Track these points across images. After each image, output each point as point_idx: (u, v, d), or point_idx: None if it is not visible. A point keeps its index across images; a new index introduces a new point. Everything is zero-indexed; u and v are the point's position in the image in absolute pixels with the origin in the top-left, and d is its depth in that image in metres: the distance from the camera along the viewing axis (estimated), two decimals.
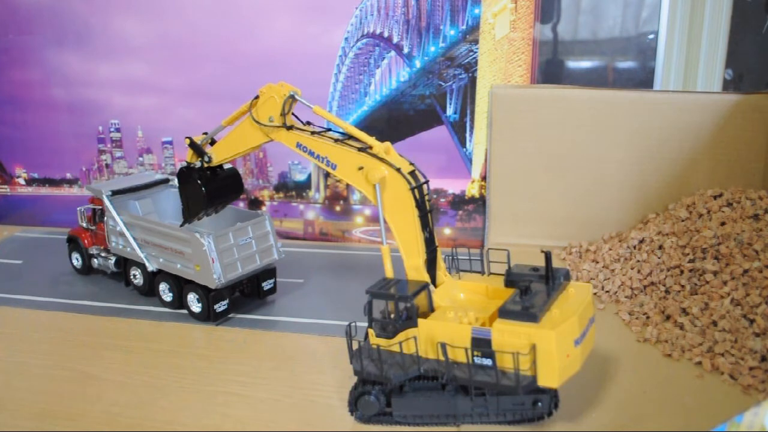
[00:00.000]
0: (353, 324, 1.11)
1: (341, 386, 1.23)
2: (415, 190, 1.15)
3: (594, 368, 1.23)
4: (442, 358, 1.04)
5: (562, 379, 1.00)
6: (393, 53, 1.95)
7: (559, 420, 1.10)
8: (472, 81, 1.91)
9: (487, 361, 1.02)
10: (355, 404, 1.13)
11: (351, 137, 1.24)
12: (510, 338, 0.99)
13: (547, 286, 1.08)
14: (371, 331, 1.12)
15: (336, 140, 1.24)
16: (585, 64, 1.87)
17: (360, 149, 1.20)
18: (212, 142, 1.48)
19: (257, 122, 1.34)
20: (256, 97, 1.34)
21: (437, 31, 1.88)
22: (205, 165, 1.47)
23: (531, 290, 1.05)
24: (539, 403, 1.06)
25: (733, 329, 1.29)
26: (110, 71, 2.12)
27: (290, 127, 1.31)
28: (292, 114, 1.33)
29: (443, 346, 1.03)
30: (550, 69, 1.87)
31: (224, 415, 1.18)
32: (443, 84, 1.93)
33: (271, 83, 1.33)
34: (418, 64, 1.92)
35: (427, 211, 1.17)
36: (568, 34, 1.85)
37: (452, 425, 1.11)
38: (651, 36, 1.81)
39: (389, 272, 1.16)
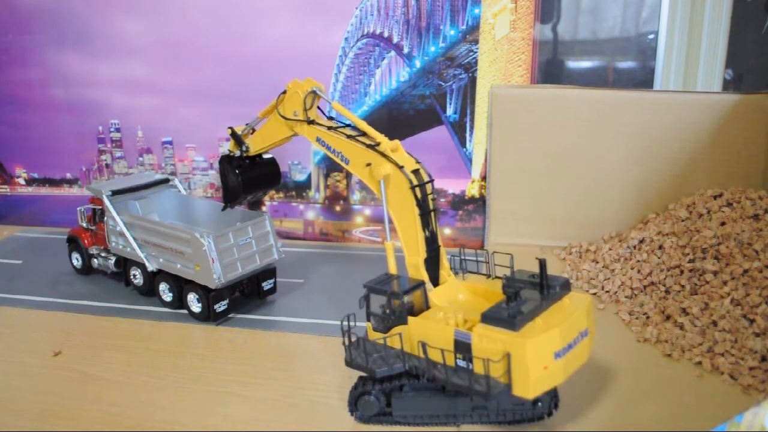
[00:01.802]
0: (351, 315, 1.11)
1: (341, 386, 1.23)
2: (416, 189, 1.15)
3: (594, 368, 1.23)
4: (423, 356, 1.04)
5: (537, 391, 0.97)
6: (393, 53, 1.95)
7: (559, 420, 1.10)
8: (472, 81, 1.91)
9: (467, 364, 1.01)
10: (355, 404, 1.13)
11: (364, 134, 1.26)
12: (487, 344, 0.98)
13: (540, 294, 1.06)
14: (368, 325, 1.13)
15: (348, 136, 1.26)
16: (585, 64, 1.87)
17: (368, 146, 1.21)
18: (253, 131, 1.53)
19: (282, 116, 1.39)
20: (284, 92, 1.39)
21: (437, 31, 1.88)
22: (243, 154, 1.52)
23: (520, 297, 1.03)
24: (539, 403, 1.06)
25: (733, 329, 1.29)
26: (110, 71, 2.12)
27: (311, 122, 1.34)
28: (318, 109, 1.37)
29: (423, 345, 1.03)
30: (550, 69, 1.87)
31: (224, 415, 1.18)
32: (443, 84, 1.93)
33: (296, 79, 1.38)
34: (418, 64, 1.93)
35: (429, 210, 1.17)
36: (568, 34, 1.85)
37: (452, 425, 1.11)
38: (651, 36, 1.81)
39: (392, 268, 1.16)
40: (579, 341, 1.03)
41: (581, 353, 1.04)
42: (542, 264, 1.06)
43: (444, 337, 1.03)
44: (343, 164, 1.28)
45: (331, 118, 1.37)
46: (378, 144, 1.21)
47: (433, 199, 1.18)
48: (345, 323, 1.10)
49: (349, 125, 1.32)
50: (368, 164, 1.20)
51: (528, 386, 0.96)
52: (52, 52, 2.15)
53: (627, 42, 1.83)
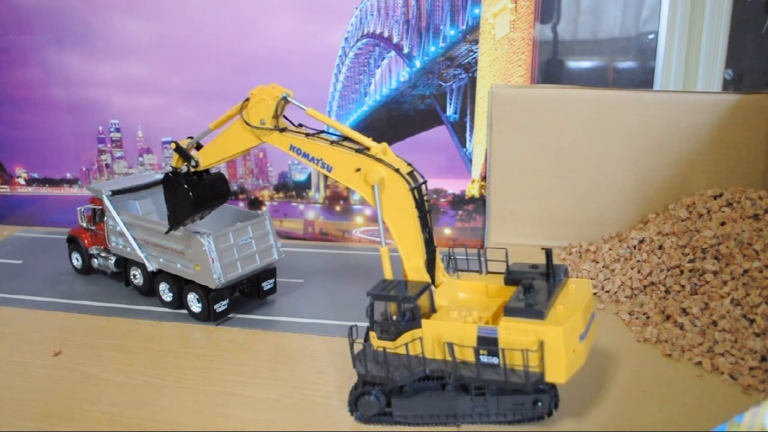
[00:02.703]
0: (355, 326, 1.11)
1: (341, 386, 1.23)
2: (415, 191, 1.15)
3: (594, 368, 1.23)
4: (448, 358, 1.04)
5: (569, 373, 1.01)
6: (393, 53, 1.95)
7: (559, 420, 1.10)
8: (472, 81, 1.91)
9: (494, 360, 1.02)
10: (355, 404, 1.13)
11: (346, 139, 1.23)
12: (517, 336, 1.00)
13: (548, 283, 1.08)
14: (373, 334, 1.12)
15: (331, 142, 1.23)
16: (585, 64, 1.87)
17: (357, 150, 1.19)
18: (198, 147, 1.44)
19: (248, 125, 1.31)
20: (247, 99, 1.31)
21: (437, 31, 1.88)
22: (192, 170, 1.43)
23: (534, 287, 1.06)
24: (539, 403, 1.06)
25: (733, 329, 1.29)
26: (110, 71, 2.12)
27: (283, 129, 1.28)
28: (284, 116, 1.31)
29: (450, 345, 1.03)
30: (550, 69, 1.87)
31: (224, 415, 1.18)
32: (443, 84, 1.93)
33: (262, 85, 1.30)
34: (418, 64, 1.93)
35: (426, 211, 1.17)
36: (568, 34, 1.85)
37: (452, 425, 1.11)
38: (651, 36, 1.81)
39: (388, 273, 1.16)
40: (591, 323, 1.08)
41: (592, 334, 1.09)
42: (548, 253, 1.09)
43: (466, 335, 1.03)
44: (324, 171, 1.23)
45: (300, 125, 1.31)
46: (367, 148, 1.18)
47: (427, 201, 1.18)
48: (352, 333, 1.10)
49: (322, 131, 1.27)
50: (358, 169, 1.18)
51: (562, 371, 0.99)
52: (52, 52, 2.15)
53: (627, 42, 1.83)
